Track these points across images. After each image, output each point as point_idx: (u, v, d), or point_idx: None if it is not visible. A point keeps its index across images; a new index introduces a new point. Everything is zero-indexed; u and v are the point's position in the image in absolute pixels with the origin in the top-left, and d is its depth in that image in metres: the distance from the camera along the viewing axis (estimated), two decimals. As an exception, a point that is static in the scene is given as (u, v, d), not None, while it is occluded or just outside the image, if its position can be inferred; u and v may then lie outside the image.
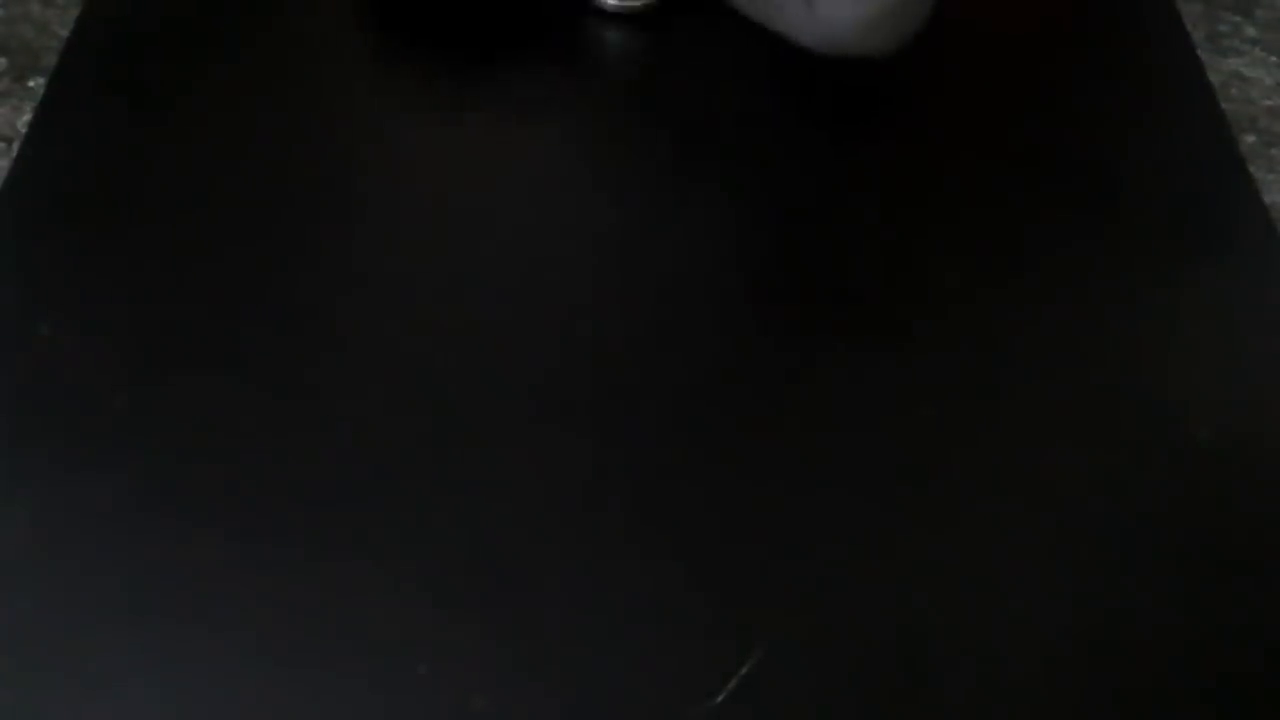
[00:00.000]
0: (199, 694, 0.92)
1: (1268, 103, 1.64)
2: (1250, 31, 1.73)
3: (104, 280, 1.17)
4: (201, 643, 0.94)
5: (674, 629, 0.97)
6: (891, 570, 1.01)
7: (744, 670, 0.94)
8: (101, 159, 1.27)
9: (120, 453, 1.05)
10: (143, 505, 1.01)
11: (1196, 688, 0.98)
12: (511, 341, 1.14)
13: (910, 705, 0.95)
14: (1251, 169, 1.40)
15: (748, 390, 1.15)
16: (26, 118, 1.44)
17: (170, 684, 0.92)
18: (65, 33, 1.46)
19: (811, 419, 1.12)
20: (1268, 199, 1.38)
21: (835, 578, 1.01)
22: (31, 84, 1.52)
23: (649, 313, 1.17)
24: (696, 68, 1.39)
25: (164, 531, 1.00)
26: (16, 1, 1.63)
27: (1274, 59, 1.70)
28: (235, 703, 0.92)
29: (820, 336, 1.17)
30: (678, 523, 1.03)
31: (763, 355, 1.17)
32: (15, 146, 1.38)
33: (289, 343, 1.13)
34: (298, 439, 1.06)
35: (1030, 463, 1.09)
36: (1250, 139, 1.58)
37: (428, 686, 0.93)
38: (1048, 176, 1.35)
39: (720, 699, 0.92)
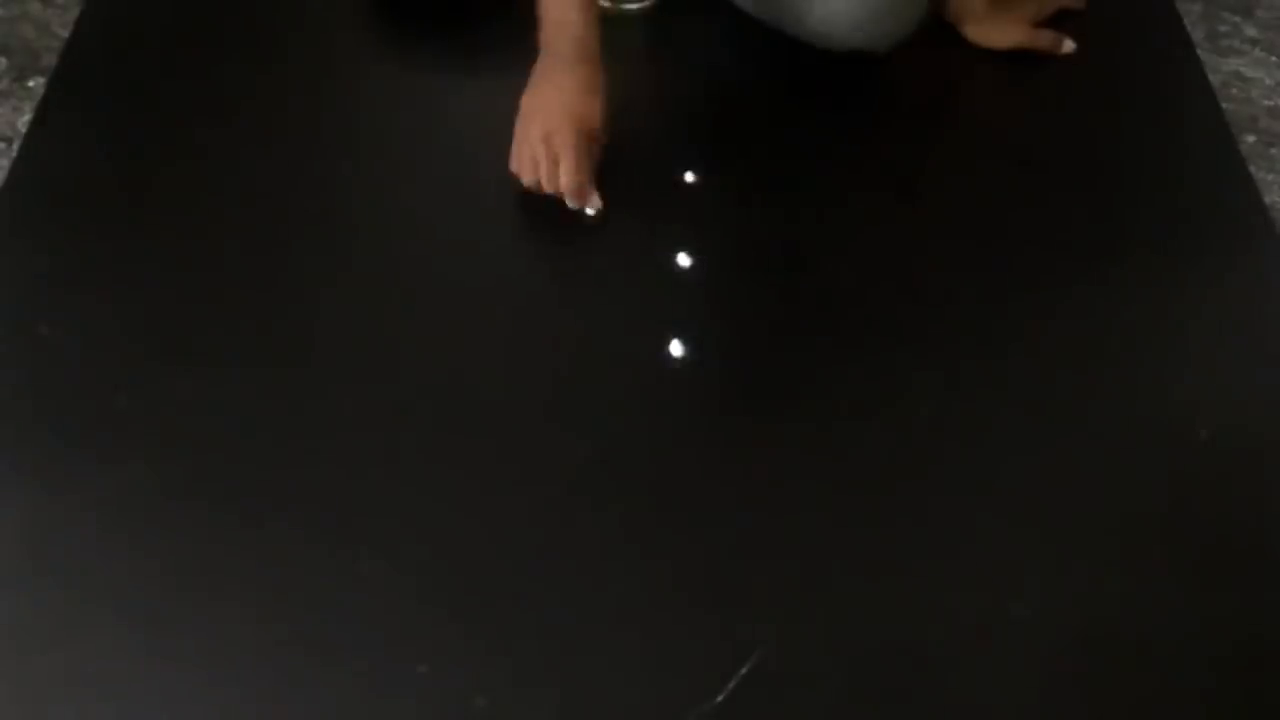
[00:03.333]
0: (198, 693, 0.92)
1: (1268, 103, 1.63)
2: (1250, 31, 1.73)
3: (104, 280, 1.17)
4: (201, 642, 0.94)
5: (674, 631, 0.97)
6: (891, 571, 1.01)
7: (744, 670, 0.94)
8: (101, 159, 1.27)
9: (120, 452, 1.05)
10: (142, 504, 1.01)
11: (1197, 685, 0.98)
12: (513, 344, 1.14)
13: (909, 705, 0.95)
14: (1251, 169, 1.40)
15: (747, 393, 1.15)
16: (26, 118, 1.44)
17: (170, 683, 0.92)
18: (65, 33, 1.46)
19: (811, 420, 1.12)
20: (1268, 199, 1.38)
21: (834, 579, 1.01)
22: (31, 84, 1.51)
23: (646, 311, 1.17)
24: (695, 66, 1.39)
25: (163, 531, 1.00)
26: (16, 1, 1.63)
27: (1274, 59, 1.69)
28: (235, 702, 0.92)
29: (819, 336, 1.17)
30: (678, 525, 1.03)
31: (761, 356, 1.17)
32: (15, 146, 1.38)
33: (289, 343, 1.13)
34: (298, 439, 1.06)
35: (1030, 462, 1.09)
36: (1250, 139, 1.57)
37: (428, 686, 0.93)
38: (1047, 176, 1.35)
39: (720, 699, 0.92)
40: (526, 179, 1.18)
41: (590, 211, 1.20)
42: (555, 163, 1.17)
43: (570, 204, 1.20)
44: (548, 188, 1.18)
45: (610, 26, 1.44)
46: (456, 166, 1.29)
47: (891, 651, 0.96)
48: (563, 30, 1.17)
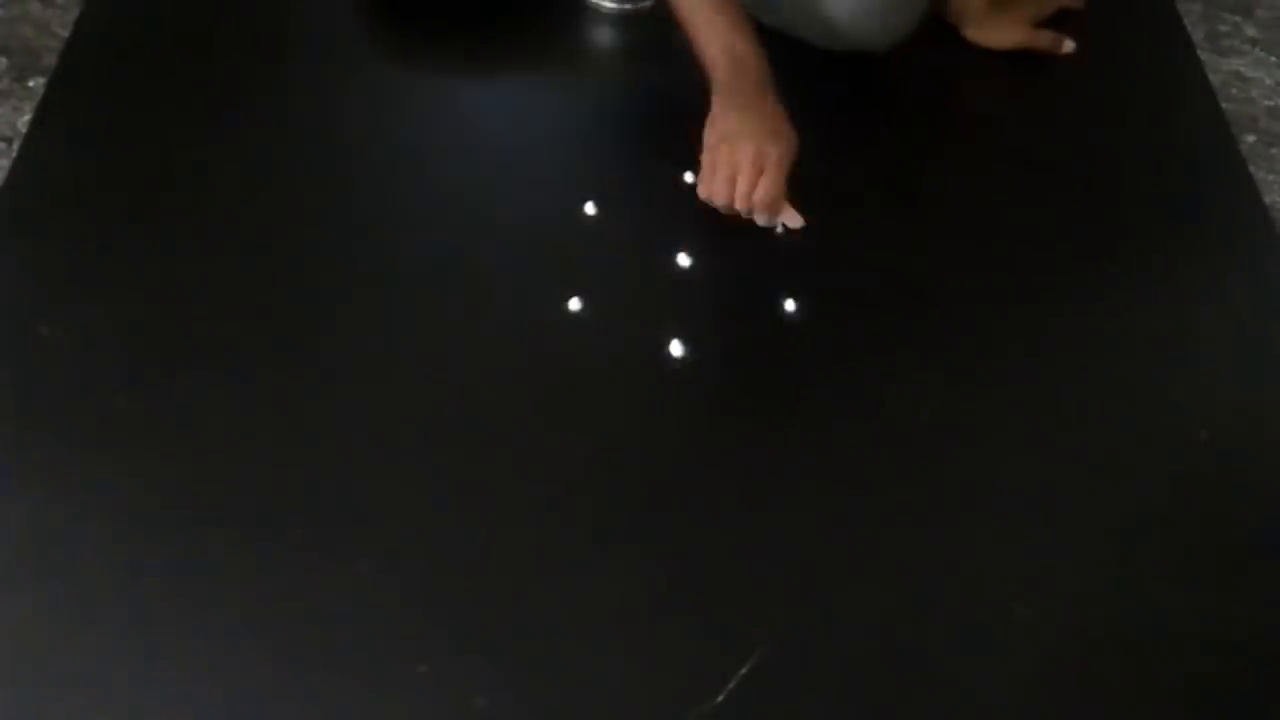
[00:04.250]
0: (198, 693, 0.92)
1: (1268, 103, 1.64)
2: (1250, 31, 1.73)
3: (104, 280, 1.17)
4: (200, 642, 0.94)
5: (674, 631, 0.97)
6: (891, 571, 1.01)
7: (744, 670, 0.94)
8: (101, 159, 1.27)
9: (120, 452, 1.05)
10: (142, 505, 1.01)
11: (1197, 685, 0.98)
12: (513, 343, 1.14)
13: (909, 705, 0.95)
14: (1251, 169, 1.40)
15: (747, 393, 1.15)
16: (26, 118, 1.45)
17: (170, 683, 0.92)
18: (65, 33, 1.46)
19: (811, 420, 1.12)
20: (1268, 199, 1.38)
21: (834, 579, 1.01)
22: (31, 84, 1.52)
23: (644, 312, 1.17)
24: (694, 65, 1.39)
25: (164, 532, 1.00)
26: (16, 1, 1.63)
27: (1274, 59, 1.70)
28: (235, 702, 0.92)
29: (818, 336, 1.17)
30: (678, 525, 1.03)
31: (761, 356, 1.17)
32: (15, 146, 1.38)
33: (289, 344, 1.13)
34: (298, 440, 1.06)
35: (1030, 462, 1.09)
36: (1250, 139, 1.58)
37: (428, 686, 0.93)
38: (1047, 176, 1.35)
39: (720, 699, 0.92)
40: (721, 200, 1.12)
41: (790, 225, 1.14)
42: (758, 178, 1.11)
43: (762, 220, 1.13)
44: (742, 205, 1.11)
45: (611, 26, 1.45)
46: (457, 166, 1.29)
47: (891, 651, 0.96)
48: (744, 66, 1.15)
